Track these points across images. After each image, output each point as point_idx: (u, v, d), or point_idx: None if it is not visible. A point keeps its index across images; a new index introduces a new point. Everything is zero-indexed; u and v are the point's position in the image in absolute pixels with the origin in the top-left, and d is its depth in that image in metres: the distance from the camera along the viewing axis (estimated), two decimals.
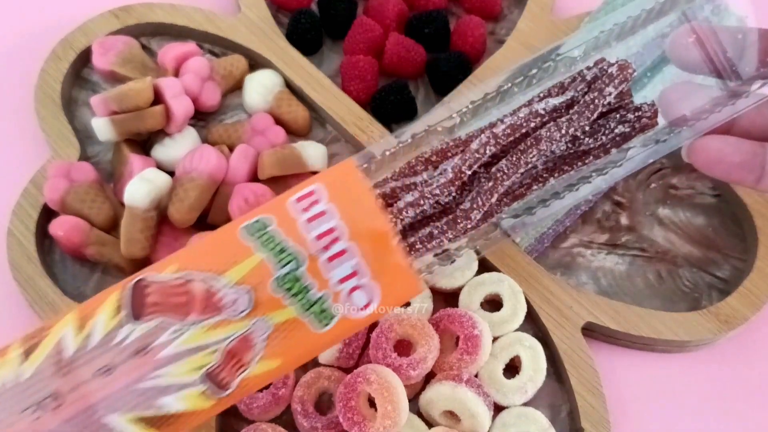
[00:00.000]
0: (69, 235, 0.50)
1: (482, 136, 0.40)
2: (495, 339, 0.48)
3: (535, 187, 0.41)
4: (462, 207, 0.40)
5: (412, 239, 0.40)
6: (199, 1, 0.61)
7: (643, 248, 0.53)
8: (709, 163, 0.39)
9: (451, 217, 0.40)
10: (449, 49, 0.60)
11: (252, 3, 0.60)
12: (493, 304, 0.50)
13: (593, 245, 0.53)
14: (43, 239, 0.52)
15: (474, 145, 0.40)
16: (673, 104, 0.41)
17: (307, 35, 0.59)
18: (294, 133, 0.57)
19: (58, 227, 0.50)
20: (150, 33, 0.60)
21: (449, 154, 0.41)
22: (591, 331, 0.50)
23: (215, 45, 0.60)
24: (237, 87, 0.58)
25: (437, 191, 0.40)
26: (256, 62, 0.59)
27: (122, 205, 0.51)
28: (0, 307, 0.51)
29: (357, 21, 0.58)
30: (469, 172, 0.40)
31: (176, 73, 0.56)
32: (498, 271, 0.50)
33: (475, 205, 0.40)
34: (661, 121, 0.41)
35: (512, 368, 0.48)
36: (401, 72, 0.58)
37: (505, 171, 0.40)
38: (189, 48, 0.56)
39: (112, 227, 0.52)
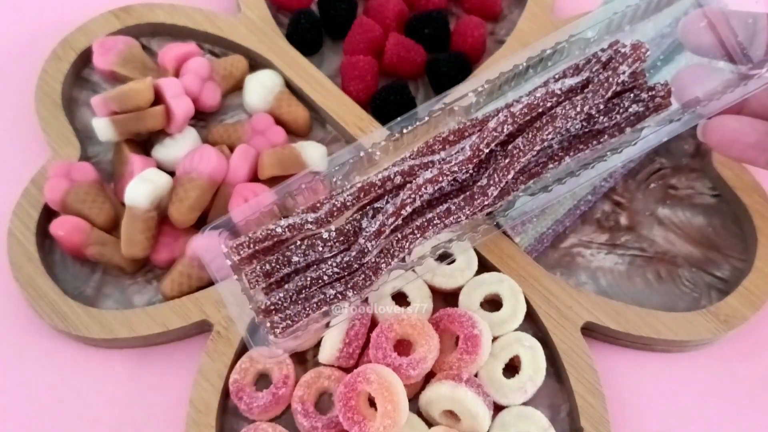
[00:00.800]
0: (69, 235, 0.50)
1: (500, 115, 0.41)
2: (495, 339, 0.48)
3: (550, 165, 0.42)
4: (479, 184, 0.41)
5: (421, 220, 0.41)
6: (199, 1, 0.61)
7: (643, 248, 0.53)
8: (724, 142, 0.40)
9: (468, 193, 0.41)
10: (449, 49, 0.60)
11: (252, 3, 0.60)
12: (492, 304, 0.50)
13: (593, 245, 0.53)
14: (44, 239, 0.52)
15: (492, 124, 0.41)
16: (686, 87, 0.41)
17: (307, 35, 0.59)
18: (294, 133, 0.57)
19: (59, 227, 0.50)
20: (150, 33, 0.60)
21: (466, 134, 0.42)
22: (591, 331, 0.50)
23: (215, 45, 0.60)
24: (237, 87, 0.58)
25: (455, 168, 0.41)
26: (256, 62, 0.59)
27: (123, 205, 0.51)
28: (0, 307, 0.51)
29: (357, 21, 0.58)
30: (487, 150, 0.41)
31: (176, 74, 0.56)
32: (498, 271, 0.50)
33: (491, 182, 0.41)
34: (674, 104, 0.41)
35: (512, 368, 0.48)
36: (401, 72, 0.58)
37: (522, 148, 0.41)
38: (189, 48, 0.57)
39: (112, 227, 0.52)
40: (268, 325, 0.41)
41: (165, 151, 0.53)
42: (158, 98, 0.53)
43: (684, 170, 0.56)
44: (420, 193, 0.41)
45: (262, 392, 0.46)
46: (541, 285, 0.50)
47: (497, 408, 0.47)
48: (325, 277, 0.42)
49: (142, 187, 0.49)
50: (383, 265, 0.42)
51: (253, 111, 0.57)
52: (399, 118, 0.45)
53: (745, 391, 0.50)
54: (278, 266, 0.42)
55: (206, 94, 0.56)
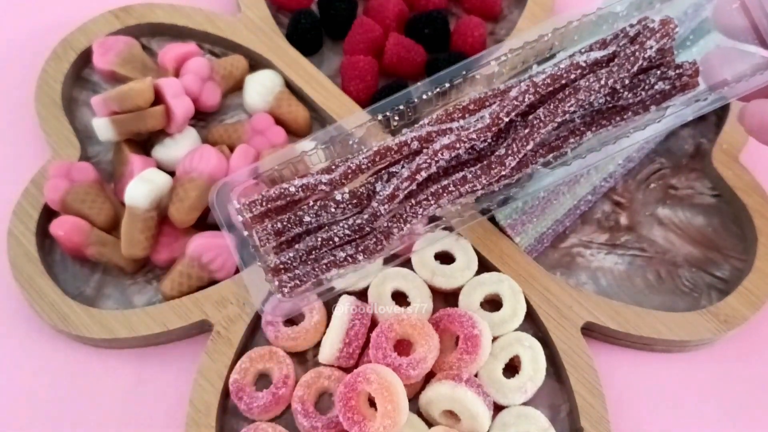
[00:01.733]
0: (69, 235, 0.50)
1: (522, 84, 0.40)
2: (495, 339, 0.48)
3: (571, 140, 0.41)
4: (497, 153, 0.40)
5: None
6: (199, 1, 0.61)
7: (643, 248, 0.53)
8: (762, 127, 0.39)
9: (485, 162, 0.41)
10: (449, 49, 0.60)
11: (252, 3, 0.60)
12: (492, 304, 0.50)
13: (593, 245, 0.53)
14: (44, 239, 0.52)
15: (513, 93, 0.40)
16: (714, 68, 0.41)
17: (307, 35, 0.59)
18: (294, 133, 0.57)
19: (59, 227, 0.50)
20: (150, 33, 0.60)
21: (487, 104, 0.41)
22: (591, 331, 0.50)
23: (215, 45, 0.60)
24: (237, 87, 0.58)
25: (473, 135, 0.40)
26: (256, 62, 0.59)
27: (123, 205, 0.51)
28: (0, 307, 0.51)
29: (357, 21, 0.58)
30: (507, 119, 0.40)
31: (176, 74, 0.56)
32: (498, 271, 0.50)
33: (510, 152, 0.40)
34: (702, 85, 0.41)
35: (512, 368, 0.48)
36: (401, 72, 0.58)
37: (542, 119, 0.40)
38: (189, 48, 0.57)
39: (112, 227, 0.52)
40: (276, 283, 0.41)
41: (165, 151, 0.53)
42: (158, 98, 0.53)
43: (684, 170, 0.56)
44: (436, 158, 0.40)
45: (262, 392, 0.46)
46: (541, 285, 0.50)
47: (497, 408, 0.47)
48: (336, 239, 0.41)
49: (142, 187, 0.49)
50: (395, 230, 0.41)
51: (253, 111, 0.57)
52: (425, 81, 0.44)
53: (745, 391, 0.50)
54: (290, 225, 0.41)
55: (206, 94, 0.56)
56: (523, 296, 0.49)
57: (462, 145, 0.40)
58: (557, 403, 0.48)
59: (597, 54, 0.41)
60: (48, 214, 0.52)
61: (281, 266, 0.42)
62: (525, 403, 0.47)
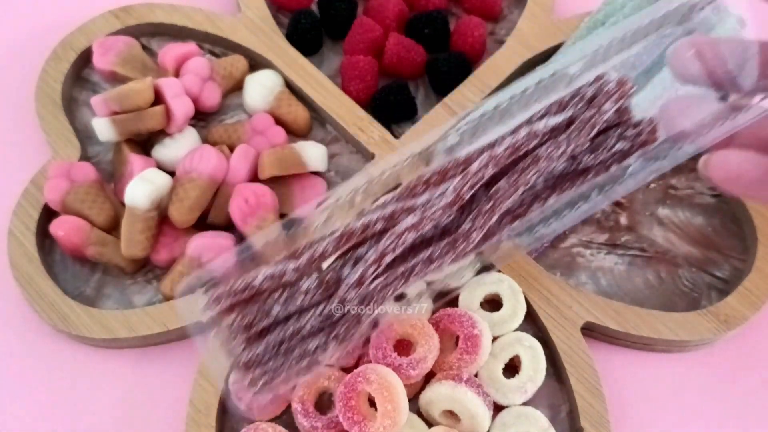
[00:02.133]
0: (69, 235, 0.50)
1: (482, 157, 0.40)
2: (495, 339, 0.48)
3: (535, 205, 0.41)
4: (462, 228, 0.40)
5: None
6: (199, 1, 0.61)
7: (643, 248, 0.53)
8: (729, 179, 0.38)
9: (451, 238, 0.40)
10: (449, 49, 0.60)
11: (252, 3, 0.60)
12: (492, 303, 0.50)
13: (593, 245, 0.53)
14: (44, 239, 0.52)
15: (474, 167, 0.40)
16: (674, 119, 0.40)
17: (307, 35, 0.59)
18: (294, 133, 0.57)
19: (59, 227, 0.50)
20: (150, 33, 0.60)
21: (449, 175, 0.41)
22: (591, 331, 0.50)
23: (215, 45, 0.60)
24: (237, 87, 0.58)
25: (437, 213, 0.39)
26: (256, 62, 0.59)
27: (123, 205, 0.51)
28: (0, 307, 0.51)
29: (357, 21, 0.58)
30: (470, 194, 0.40)
31: (176, 74, 0.56)
32: (498, 271, 0.50)
33: (475, 226, 0.40)
34: (662, 135, 0.40)
35: (512, 368, 0.48)
36: (401, 72, 0.58)
37: (505, 191, 0.40)
38: (189, 48, 0.57)
39: (112, 227, 0.52)
40: (249, 380, 0.40)
41: (165, 151, 0.53)
42: (158, 98, 0.53)
43: (684, 170, 0.56)
44: (401, 240, 0.39)
45: None
46: (541, 285, 0.50)
47: (497, 408, 0.47)
48: (307, 329, 0.41)
49: (142, 187, 0.49)
50: (365, 315, 0.40)
51: (253, 111, 0.57)
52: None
53: (745, 391, 0.50)
54: (257, 318, 0.41)
55: (206, 94, 0.56)
56: (523, 296, 0.49)
57: (426, 224, 0.40)
58: (557, 403, 0.48)
59: (555, 120, 0.40)
60: (48, 214, 0.52)
61: (252, 361, 0.41)
62: (525, 403, 0.47)
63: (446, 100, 0.56)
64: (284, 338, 0.41)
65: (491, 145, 0.41)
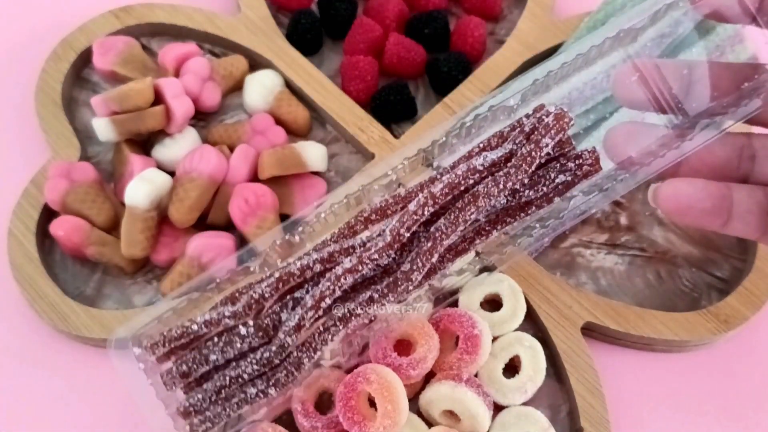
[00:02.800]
0: (69, 235, 0.50)
1: (420, 196, 0.39)
2: (495, 339, 0.48)
3: (477, 241, 0.41)
4: (402, 269, 0.39)
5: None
6: (199, 1, 0.61)
7: (643, 248, 0.53)
8: (680, 210, 0.37)
9: (391, 279, 0.40)
10: (449, 49, 0.60)
11: (252, 3, 0.60)
12: (492, 304, 0.50)
13: (593, 245, 0.53)
14: (44, 239, 0.52)
15: (412, 207, 0.39)
16: (618, 146, 0.39)
17: (307, 35, 0.59)
18: (294, 133, 0.57)
19: (59, 227, 0.50)
20: (150, 33, 0.60)
21: (389, 212, 0.40)
22: (591, 331, 0.50)
23: (215, 45, 0.60)
24: (237, 87, 0.58)
25: (375, 256, 0.39)
26: (256, 62, 0.59)
27: (123, 205, 0.51)
28: (0, 307, 0.51)
29: (357, 21, 0.58)
30: (408, 234, 0.39)
31: (176, 74, 0.56)
32: (498, 271, 0.50)
33: (415, 267, 0.39)
34: (608, 163, 0.39)
35: (512, 368, 0.48)
36: (401, 72, 0.58)
37: (444, 230, 0.39)
38: (189, 48, 0.57)
39: (112, 227, 0.52)
40: (188, 428, 0.40)
41: (165, 151, 0.53)
42: (158, 98, 0.53)
43: None
44: (339, 284, 0.39)
45: None
46: (541, 285, 0.50)
47: (497, 408, 0.47)
48: (246, 375, 0.40)
49: (142, 187, 0.49)
50: (305, 360, 0.40)
51: (253, 111, 0.57)
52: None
53: (745, 391, 0.50)
54: (195, 365, 0.40)
55: (206, 94, 0.56)
56: (523, 296, 0.49)
57: (364, 266, 0.39)
58: (557, 403, 0.48)
59: (493, 155, 0.40)
60: (48, 214, 0.52)
61: (191, 409, 0.40)
62: (525, 403, 0.47)
63: (446, 100, 0.56)
64: (223, 385, 0.40)
65: (430, 182, 0.40)
